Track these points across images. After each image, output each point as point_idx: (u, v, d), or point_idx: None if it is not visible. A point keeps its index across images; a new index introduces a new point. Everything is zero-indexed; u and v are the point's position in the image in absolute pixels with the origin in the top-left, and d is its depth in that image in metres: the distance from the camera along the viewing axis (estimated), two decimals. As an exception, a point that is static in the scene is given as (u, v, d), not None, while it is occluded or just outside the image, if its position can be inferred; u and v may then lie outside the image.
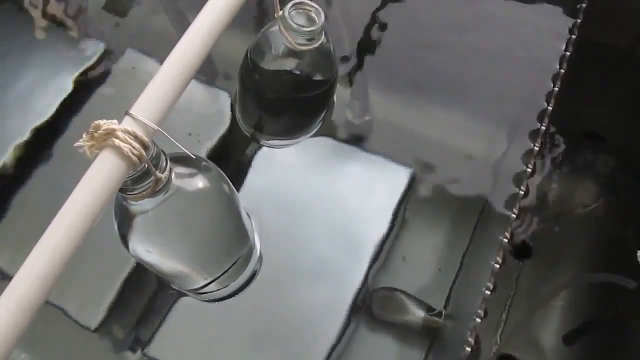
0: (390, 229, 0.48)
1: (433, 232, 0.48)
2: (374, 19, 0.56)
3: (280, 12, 0.34)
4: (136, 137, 0.23)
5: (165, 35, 0.56)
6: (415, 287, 0.46)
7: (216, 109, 0.52)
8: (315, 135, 0.48)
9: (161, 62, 0.26)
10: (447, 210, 0.49)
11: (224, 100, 0.52)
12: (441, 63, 0.54)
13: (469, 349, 0.41)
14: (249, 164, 0.49)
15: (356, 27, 0.55)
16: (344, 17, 0.55)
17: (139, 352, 0.44)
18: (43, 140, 0.51)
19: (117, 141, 0.23)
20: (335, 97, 0.47)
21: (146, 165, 0.26)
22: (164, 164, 0.29)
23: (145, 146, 0.24)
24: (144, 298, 0.45)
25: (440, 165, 0.50)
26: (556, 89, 0.49)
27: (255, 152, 0.49)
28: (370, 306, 0.46)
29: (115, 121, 0.23)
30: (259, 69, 0.38)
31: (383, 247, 0.47)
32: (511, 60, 0.54)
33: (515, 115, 0.51)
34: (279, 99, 0.40)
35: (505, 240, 0.46)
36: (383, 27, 0.55)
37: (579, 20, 0.51)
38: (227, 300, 0.44)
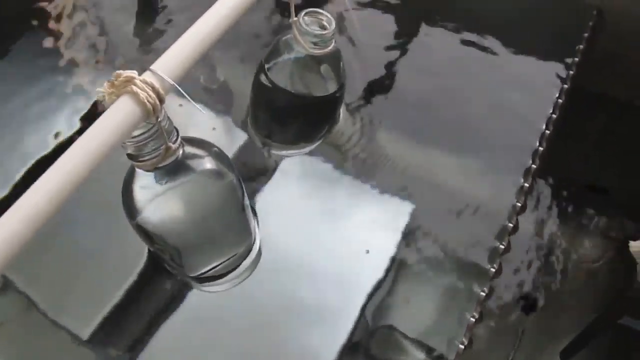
0: (390, 269, 0.47)
1: (434, 272, 0.48)
2: (384, 63, 0.59)
3: (295, 18, 0.36)
4: (153, 88, 0.25)
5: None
6: (415, 328, 0.46)
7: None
8: (329, 165, 0.50)
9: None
10: (448, 247, 0.49)
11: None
12: (445, 106, 0.56)
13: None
14: (261, 174, 0.50)
15: (365, 66, 0.58)
16: (357, 57, 0.58)
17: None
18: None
19: (134, 88, 0.25)
20: (341, 110, 0.49)
21: (158, 127, 0.28)
22: (175, 137, 0.30)
23: (160, 98, 0.25)
24: (140, 316, 0.45)
25: (437, 202, 0.51)
26: (547, 131, 0.51)
27: (268, 164, 0.51)
28: (369, 346, 0.45)
29: (135, 71, 0.25)
30: (272, 76, 0.41)
31: (382, 286, 0.47)
32: (510, 108, 0.56)
33: (512, 158, 0.53)
34: (289, 106, 0.42)
35: (493, 270, 0.47)
36: (391, 71, 0.58)
37: (572, 72, 0.54)
38: (219, 315, 0.44)
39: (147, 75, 0.25)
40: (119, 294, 0.45)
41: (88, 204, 0.47)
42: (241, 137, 0.52)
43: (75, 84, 0.57)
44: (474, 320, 0.46)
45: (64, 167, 0.22)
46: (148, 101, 0.25)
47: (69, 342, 0.43)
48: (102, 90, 0.25)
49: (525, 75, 0.58)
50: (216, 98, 0.55)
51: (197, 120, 0.52)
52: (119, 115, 0.24)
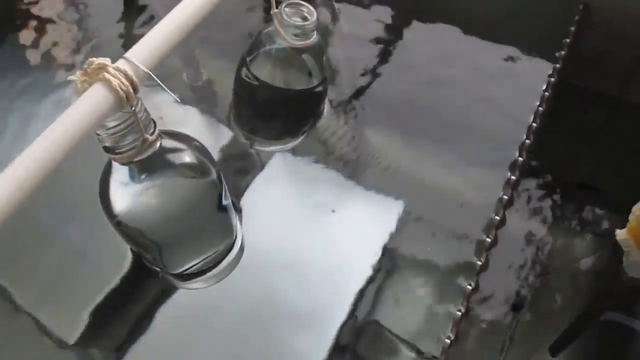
0: (380, 267, 0.47)
1: (420, 267, 0.48)
2: (370, 58, 0.58)
3: (276, 10, 0.36)
4: (126, 75, 0.25)
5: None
6: (402, 325, 0.45)
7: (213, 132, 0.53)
8: (314, 161, 0.50)
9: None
10: (435, 242, 0.49)
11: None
12: (431, 100, 0.56)
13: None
14: (244, 170, 0.50)
15: (351, 61, 0.58)
16: (343, 54, 0.58)
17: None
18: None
19: (107, 75, 0.24)
20: (326, 105, 0.48)
21: (134, 118, 0.27)
22: (152, 129, 0.30)
23: (134, 86, 0.25)
24: (123, 316, 0.44)
25: (424, 196, 0.51)
26: (534, 124, 0.51)
27: (251, 159, 0.50)
28: (356, 343, 0.45)
29: (107, 59, 0.25)
30: (253, 70, 0.40)
31: (368, 282, 0.46)
32: (498, 101, 0.56)
33: (500, 151, 0.53)
34: (272, 100, 0.42)
35: (479, 263, 0.47)
36: (377, 66, 0.58)
37: (557, 65, 0.54)
38: (202, 314, 0.43)
39: (120, 63, 0.25)
40: (102, 294, 0.44)
41: (69, 205, 0.47)
42: (225, 133, 0.51)
43: (60, 81, 0.57)
44: (460, 314, 0.45)
45: (31, 155, 0.22)
46: (121, 88, 0.24)
47: (52, 344, 0.43)
48: (74, 78, 0.25)
49: (512, 69, 0.58)
50: (200, 94, 0.55)
51: (178, 115, 0.52)
52: (91, 103, 0.24)
